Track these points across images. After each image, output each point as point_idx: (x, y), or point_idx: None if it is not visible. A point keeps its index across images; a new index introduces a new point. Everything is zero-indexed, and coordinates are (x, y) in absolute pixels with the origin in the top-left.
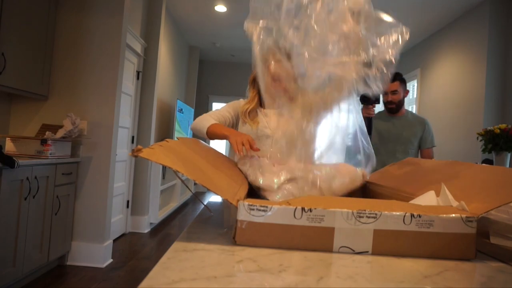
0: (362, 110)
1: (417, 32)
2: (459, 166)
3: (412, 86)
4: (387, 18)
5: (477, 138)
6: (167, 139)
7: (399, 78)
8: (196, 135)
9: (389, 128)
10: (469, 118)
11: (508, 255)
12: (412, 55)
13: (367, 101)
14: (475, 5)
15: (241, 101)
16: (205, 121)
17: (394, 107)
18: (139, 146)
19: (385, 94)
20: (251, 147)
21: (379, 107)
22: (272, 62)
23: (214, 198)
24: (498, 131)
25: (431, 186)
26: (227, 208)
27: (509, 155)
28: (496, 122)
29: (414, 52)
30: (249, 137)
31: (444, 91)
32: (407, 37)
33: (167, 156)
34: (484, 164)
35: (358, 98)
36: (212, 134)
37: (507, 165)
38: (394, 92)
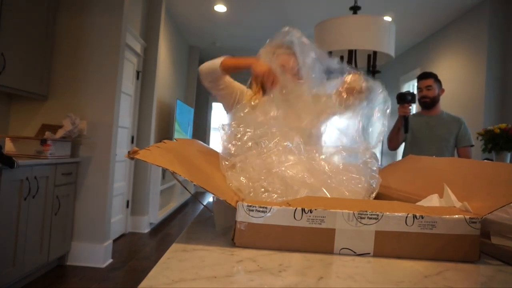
0: (399, 109)
1: (417, 32)
2: (460, 163)
3: (412, 86)
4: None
5: (477, 137)
6: (164, 140)
7: (433, 76)
8: (206, 75)
9: (421, 127)
10: (469, 118)
11: (508, 255)
12: (411, 55)
13: (403, 100)
14: (475, 5)
15: (246, 89)
16: (216, 59)
17: (428, 101)
18: (135, 148)
19: (420, 90)
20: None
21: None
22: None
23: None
24: (498, 130)
25: (433, 185)
26: (218, 209)
27: (509, 154)
28: (496, 121)
29: (413, 52)
30: (272, 72)
31: None
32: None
33: (164, 157)
34: (485, 160)
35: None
36: (228, 66)
37: None
38: (428, 87)
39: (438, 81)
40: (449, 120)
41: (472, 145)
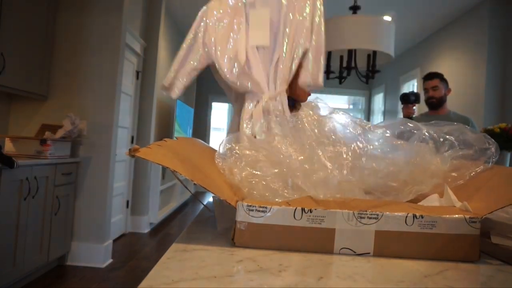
0: (403, 109)
1: (417, 32)
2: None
3: (412, 85)
4: None
5: None
6: (165, 139)
7: (439, 76)
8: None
9: None
10: None
11: (509, 255)
12: (411, 54)
13: (407, 100)
14: (475, 5)
15: None
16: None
17: (435, 102)
18: (136, 146)
19: (426, 91)
20: None
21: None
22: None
23: None
24: (498, 130)
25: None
26: (218, 208)
27: (509, 154)
28: (496, 121)
29: (413, 51)
30: None
31: None
32: None
33: (164, 155)
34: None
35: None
36: None
37: (507, 165)
38: (434, 88)
39: (444, 80)
40: (456, 120)
41: None
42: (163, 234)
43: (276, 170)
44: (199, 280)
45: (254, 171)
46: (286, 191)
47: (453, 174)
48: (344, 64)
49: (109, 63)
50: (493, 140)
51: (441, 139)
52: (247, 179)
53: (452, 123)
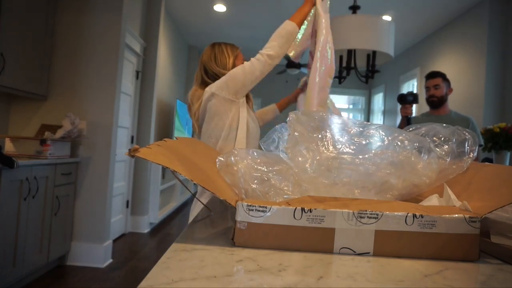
0: (400, 109)
1: (417, 31)
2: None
3: (412, 85)
4: None
5: None
6: (165, 139)
7: (441, 75)
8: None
9: None
10: None
11: (508, 254)
12: (411, 54)
13: (404, 101)
14: (475, 3)
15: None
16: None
17: (436, 101)
18: (135, 146)
19: (428, 89)
20: None
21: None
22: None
23: (214, 198)
24: (498, 130)
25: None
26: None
27: (508, 154)
28: (496, 121)
29: (413, 51)
30: None
31: None
32: None
33: (164, 155)
34: (486, 163)
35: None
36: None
37: (507, 164)
38: (436, 86)
39: (446, 80)
40: (457, 120)
41: (481, 145)
42: (163, 234)
43: (279, 167)
44: (199, 280)
45: (257, 166)
46: (287, 188)
47: (445, 171)
48: (344, 64)
49: (109, 63)
50: (469, 130)
51: (416, 144)
52: (250, 173)
53: (425, 124)
